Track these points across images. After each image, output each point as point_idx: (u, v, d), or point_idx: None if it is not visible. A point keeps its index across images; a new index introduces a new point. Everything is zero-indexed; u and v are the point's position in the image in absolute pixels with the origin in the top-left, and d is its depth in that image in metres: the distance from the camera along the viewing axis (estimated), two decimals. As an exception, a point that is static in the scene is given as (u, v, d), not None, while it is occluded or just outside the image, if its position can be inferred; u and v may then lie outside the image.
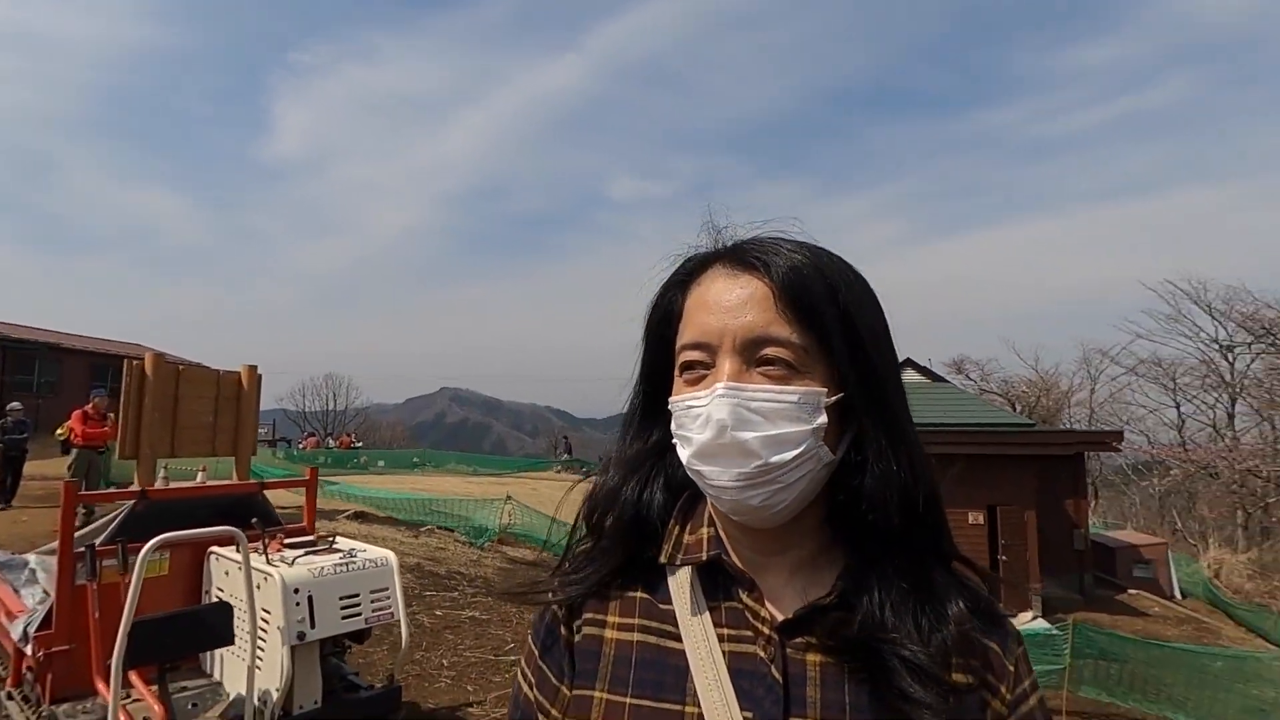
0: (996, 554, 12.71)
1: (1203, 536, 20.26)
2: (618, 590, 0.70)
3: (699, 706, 0.62)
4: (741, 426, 0.60)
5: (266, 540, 2.99)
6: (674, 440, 0.68)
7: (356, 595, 2.93)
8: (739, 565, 0.67)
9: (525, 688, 0.73)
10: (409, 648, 3.29)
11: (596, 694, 0.66)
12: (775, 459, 0.60)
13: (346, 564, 2.96)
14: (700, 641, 0.64)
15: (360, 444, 34.15)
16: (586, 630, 0.69)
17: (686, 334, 0.66)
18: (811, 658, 0.62)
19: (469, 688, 4.15)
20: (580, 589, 0.70)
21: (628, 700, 0.64)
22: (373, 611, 2.97)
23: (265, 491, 3.57)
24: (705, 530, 0.70)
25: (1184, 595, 13.50)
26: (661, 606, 0.68)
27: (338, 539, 3.24)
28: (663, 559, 0.69)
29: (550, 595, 0.72)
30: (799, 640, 0.63)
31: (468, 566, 8.91)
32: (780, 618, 0.64)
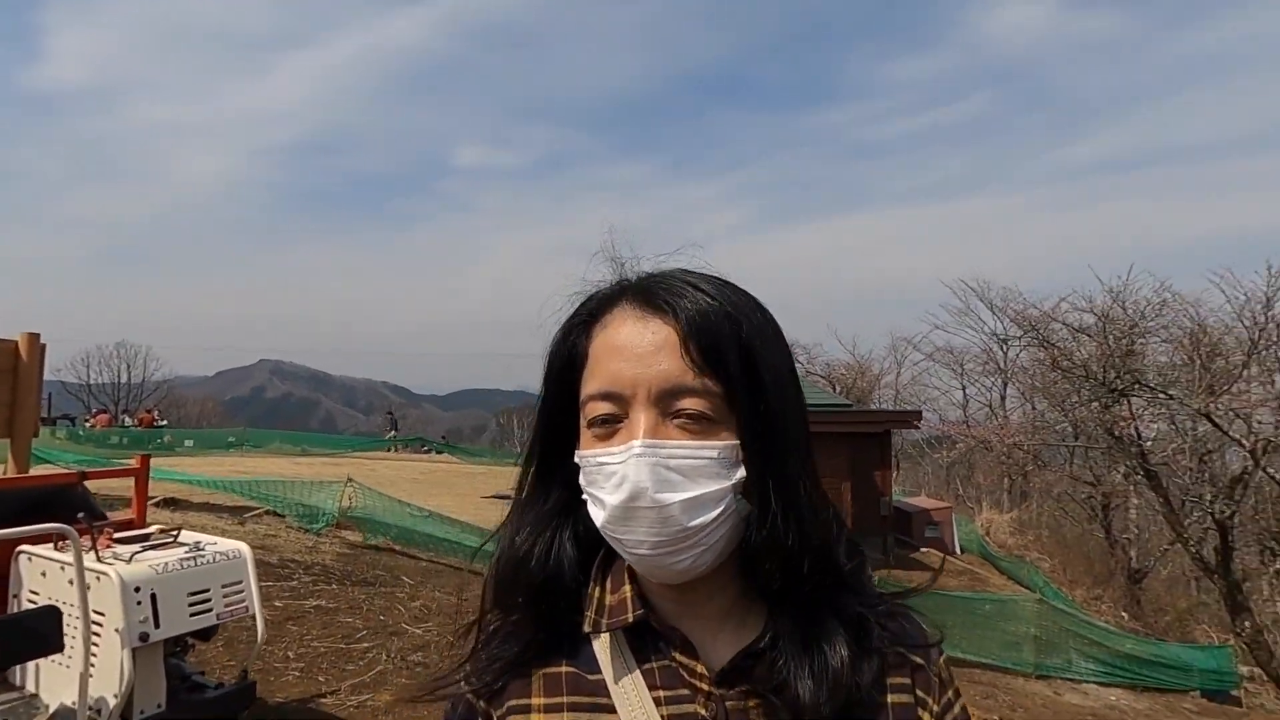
0: (817, 521, 14.12)
1: (978, 500, 23.83)
2: (539, 667, 0.65)
3: None
4: (661, 488, 0.56)
5: (95, 536, 2.72)
6: (584, 497, 0.63)
7: (207, 591, 2.75)
8: (666, 622, 0.63)
9: None
10: (263, 642, 3.15)
11: None
12: (696, 522, 0.57)
13: (194, 558, 2.77)
14: (635, 709, 0.60)
15: (165, 421, 30.50)
16: (510, 718, 0.64)
17: (593, 382, 0.61)
18: (753, 703, 0.60)
19: (320, 679, 4.03)
20: (495, 673, 0.65)
21: None
22: (225, 607, 2.81)
23: (86, 482, 3.20)
24: (628, 588, 0.65)
25: (963, 550, 15.76)
26: (590, 678, 0.64)
27: (182, 532, 3.00)
28: (587, 628, 0.65)
29: (463, 685, 0.66)
30: (738, 690, 0.60)
31: (304, 554, 8.42)
32: (715, 670, 0.61)
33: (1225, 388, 10.95)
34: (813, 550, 0.60)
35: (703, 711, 0.60)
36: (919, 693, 0.64)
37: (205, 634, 2.92)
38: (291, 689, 3.87)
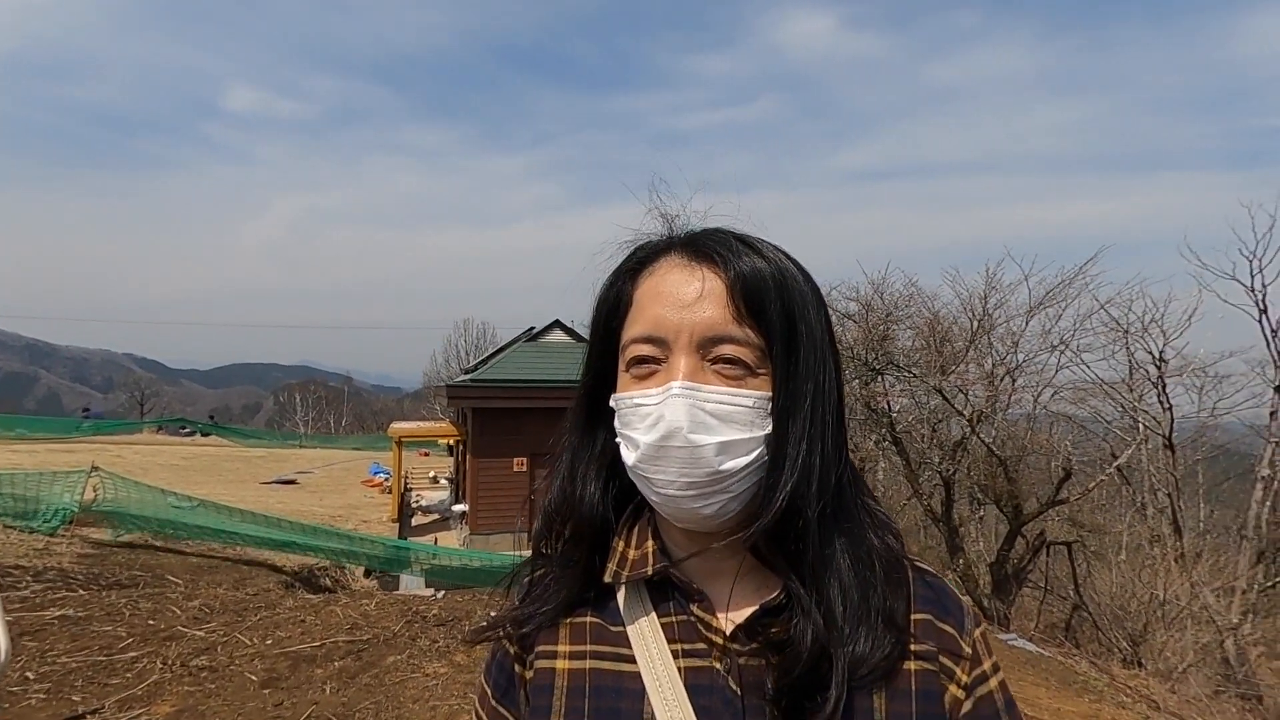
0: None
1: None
2: (567, 617, 0.68)
3: None
4: (696, 429, 0.58)
5: None
6: (618, 440, 0.65)
7: (-73, 607, 2.24)
8: (686, 577, 0.65)
9: None
10: (8, 661, 2.64)
11: None
12: (727, 466, 0.58)
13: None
14: (655, 660, 0.62)
15: None
16: (539, 664, 0.66)
17: (636, 326, 0.63)
18: (768, 660, 0.61)
19: (75, 698, 3.46)
20: (540, 620, 0.67)
21: None
22: (-45, 624, 2.31)
23: None
24: (650, 544, 0.67)
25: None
26: (612, 629, 0.66)
27: None
28: (607, 578, 0.67)
29: (510, 630, 0.69)
30: (754, 645, 0.61)
31: (32, 558, 7.08)
32: (732, 626, 0.62)
33: (952, 368, 13.17)
34: (824, 508, 0.60)
35: (718, 666, 0.61)
36: (944, 662, 0.62)
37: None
38: (37, 714, 3.28)
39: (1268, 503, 16.47)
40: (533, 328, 17.36)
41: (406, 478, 17.76)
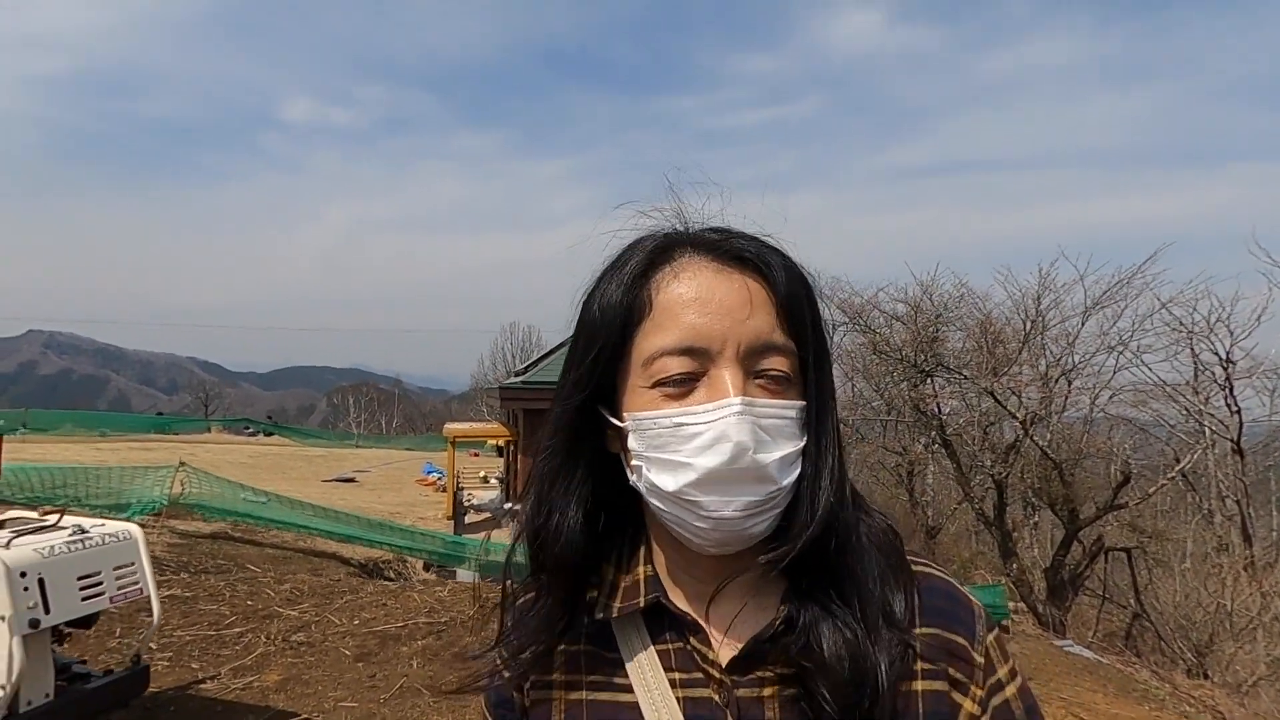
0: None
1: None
2: (561, 646, 0.65)
3: None
4: (760, 448, 0.54)
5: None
6: (635, 464, 0.60)
7: (98, 574, 2.61)
8: (681, 606, 0.63)
9: None
10: (159, 625, 3.01)
11: None
12: (786, 482, 0.56)
13: (81, 541, 2.60)
14: (652, 691, 0.61)
15: (-93, 403, 25.59)
16: (534, 694, 0.65)
17: (666, 335, 0.57)
18: (768, 691, 0.58)
19: (194, 665, 3.85)
20: (529, 662, 0.65)
21: None
22: (118, 590, 2.67)
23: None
24: (642, 570, 0.65)
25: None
26: (607, 656, 0.64)
27: (63, 516, 2.78)
28: (598, 613, 0.64)
29: (502, 675, 0.68)
30: (753, 676, 0.59)
31: (130, 545, 7.66)
32: (729, 656, 0.60)
33: (1005, 370, 12.99)
34: (842, 519, 0.59)
35: (716, 698, 0.59)
36: (956, 675, 0.59)
37: (86, 622, 2.75)
38: (164, 678, 3.68)
39: (1345, 511, 15.74)
40: (581, 331, 17.71)
41: (459, 477, 18.30)
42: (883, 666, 0.55)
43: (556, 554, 0.63)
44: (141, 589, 2.79)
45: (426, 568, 11.67)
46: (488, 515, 17.12)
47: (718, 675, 0.59)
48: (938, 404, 13.86)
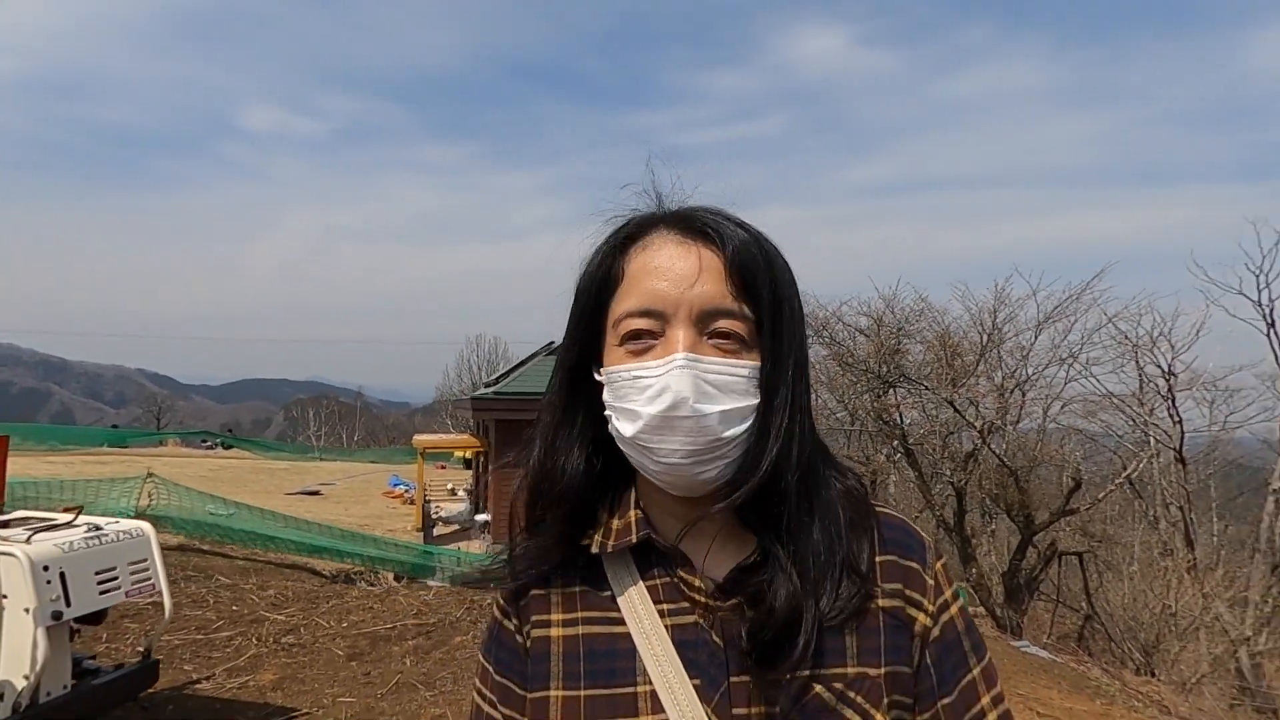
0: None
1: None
2: (558, 587, 0.71)
3: (651, 683, 0.64)
4: (701, 399, 0.60)
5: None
6: (607, 414, 0.67)
7: (114, 569, 2.68)
8: (668, 542, 0.68)
9: (487, 708, 0.72)
10: (170, 620, 3.07)
11: (552, 693, 0.66)
12: (728, 434, 0.62)
13: (97, 537, 2.68)
14: (643, 620, 0.65)
15: None
16: (535, 634, 0.69)
17: (630, 300, 0.65)
18: (747, 614, 0.64)
19: (187, 667, 3.88)
20: (527, 579, 0.71)
21: (582, 693, 0.66)
22: (133, 584, 2.75)
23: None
24: (632, 513, 0.70)
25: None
26: (601, 594, 0.69)
27: (79, 514, 2.85)
28: (594, 549, 0.69)
29: (496, 584, 0.76)
30: (733, 602, 0.64)
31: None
32: (712, 585, 0.65)
33: (963, 381, 13.50)
34: (800, 471, 0.65)
35: (701, 622, 0.65)
36: (911, 593, 0.67)
37: (96, 618, 2.81)
38: (159, 681, 3.71)
39: (1279, 515, 16.67)
40: (552, 342, 17.82)
41: (426, 490, 18.15)
42: (810, 615, 0.62)
43: (560, 490, 0.69)
44: (154, 584, 2.87)
45: (398, 579, 11.60)
46: (456, 527, 17.02)
47: (702, 599, 0.65)
48: (900, 414, 14.32)
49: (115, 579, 2.69)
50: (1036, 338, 14.06)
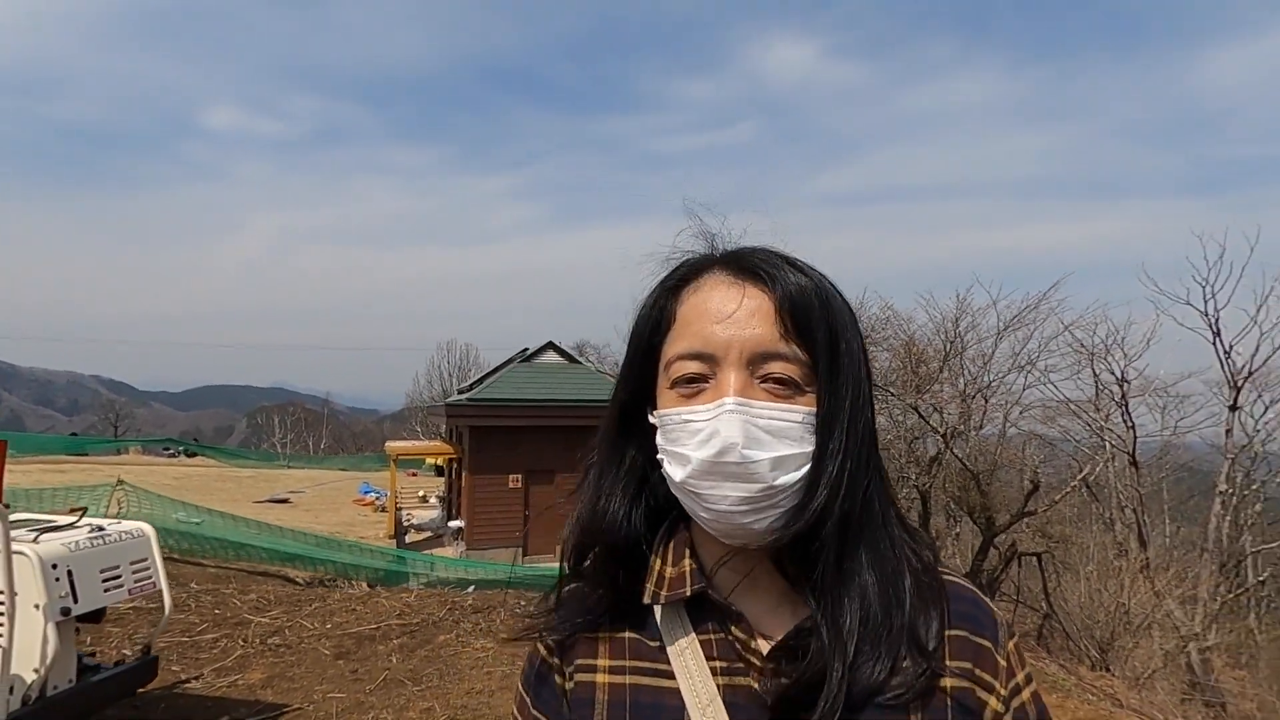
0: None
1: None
2: (606, 631, 0.68)
3: None
4: (751, 445, 0.58)
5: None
6: (659, 457, 0.65)
7: (117, 567, 2.78)
8: (724, 598, 0.65)
9: None
10: (170, 617, 3.15)
11: None
12: (780, 482, 0.59)
13: (101, 537, 2.77)
14: (694, 677, 0.63)
15: None
16: (579, 677, 0.67)
17: (682, 342, 0.63)
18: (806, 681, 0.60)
19: (175, 669, 3.95)
20: (566, 632, 0.69)
21: None
22: (135, 583, 2.84)
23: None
24: (687, 563, 0.67)
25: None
26: (650, 644, 0.66)
27: (83, 515, 2.93)
28: (646, 599, 0.67)
29: (545, 636, 0.71)
30: (791, 667, 0.60)
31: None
32: (769, 646, 0.62)
33: (927, 388, 13.94)
34: (843, 522, 0.60)
35: (755, 685, 0.61)
36: (982, 674, 0.62)
37: (94, 617, 2.90)
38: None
39: (1227, 517, 17.44)
40: (526, 349, 17.91)
41: (397, 496, 18.06)
42: (836, 681, 0.57)
43: (604, 535, 0.68)
44: (154, 583, 2.96)
45: (371, 587, 11.57)
46: (429, 534, 16.97)
47: (758, 664, 0.61)
48: (867, 420, 14.71)
49: (119, 577, 2.79)
50: (997, 346, 14.58)
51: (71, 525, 2.84)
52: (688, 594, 0.64)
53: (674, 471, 0.62)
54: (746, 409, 0.59)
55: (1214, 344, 15.76)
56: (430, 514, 18.58)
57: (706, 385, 0.62)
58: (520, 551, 14.54)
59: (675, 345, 0.64)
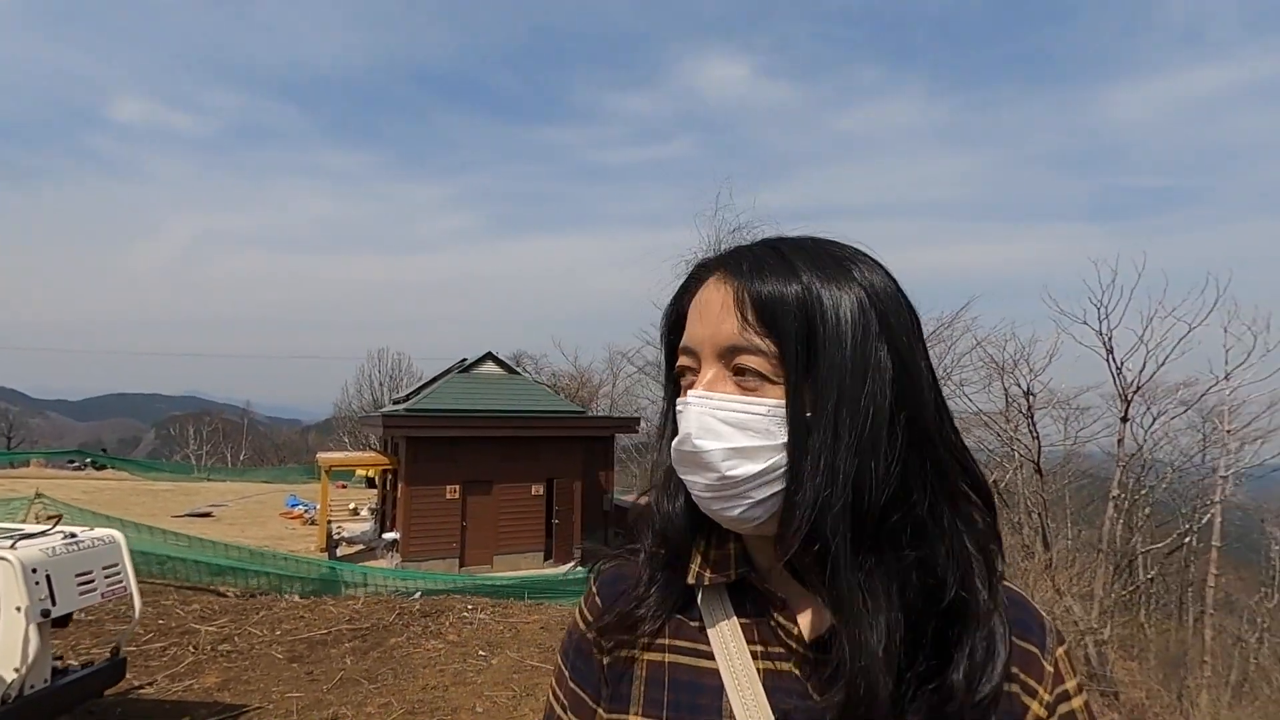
0: (552, 519, 15.42)
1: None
2: (648, 609, 0.68)
3: None
4: (704, 435, 0.59)
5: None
6: None
7: (90, 572, 2.90)
8: (766, 582, 0.64)
9: (559, 709, 0.72)
10: (139, 621, 3.26)
11: (631, 718, 0.65)
12: (733, 473, 0.58)
13: (76, 544, 2.89)
14: (734, 659, 0.63)
15: None
16: (616, 653, 0.68)
17: (682, 340, 0.66)
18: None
19: (128, 676, 4.00)
20: (611, 605, 0.69)
21: None
22: (107, 587, 2.96)
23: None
24: (732, 545, 0.66)
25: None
26: (692, 624, 0.66)
27: (58, 523, 3.02)
28: (690, 579, 0.67)
29: (582, 609, 0.73)
30: (831, 656, 0.58)
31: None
32: (812, 634, 0.61)
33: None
34: (861, 534, 0.57)
35: (797, 672, 0.61)
36: (1027, 680, 0.61)
37: (62, 622, 3.00)
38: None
39: (1120, 520, 18.98)
40: (465, 359, 17.89)
41: (329, 509, 17.67)
42: (880, 691, 0.55)
43: (664, 521, 0.69)
44: (125, 587, 3.09)
45: (303, 598, 11.37)
46: (361, 546, 16.67)
47: (801, 650, 0.61)
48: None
49: (92, 582, 2.91)
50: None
51: (44, 533, 2.94)
52: (732, 577, 0.65)
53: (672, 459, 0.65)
54: (706, 400, 0.61)
55: (1107, 361, 17.23)
56: (362, 526, 18.23)
57: (695, 379, 0.64)
58: (457, 563, 14.52)
59: (679, 343, 0.67)
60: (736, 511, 0.60)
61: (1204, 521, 19.27)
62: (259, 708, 3.67)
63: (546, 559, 15.31)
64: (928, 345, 0.64)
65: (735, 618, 0.65)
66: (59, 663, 3.08)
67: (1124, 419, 17.41)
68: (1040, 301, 18.06)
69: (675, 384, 0.68)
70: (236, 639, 4.69)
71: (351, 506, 21.56)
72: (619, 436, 19.46)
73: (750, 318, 0.60)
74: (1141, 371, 16.80)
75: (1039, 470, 18.18)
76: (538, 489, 15.16)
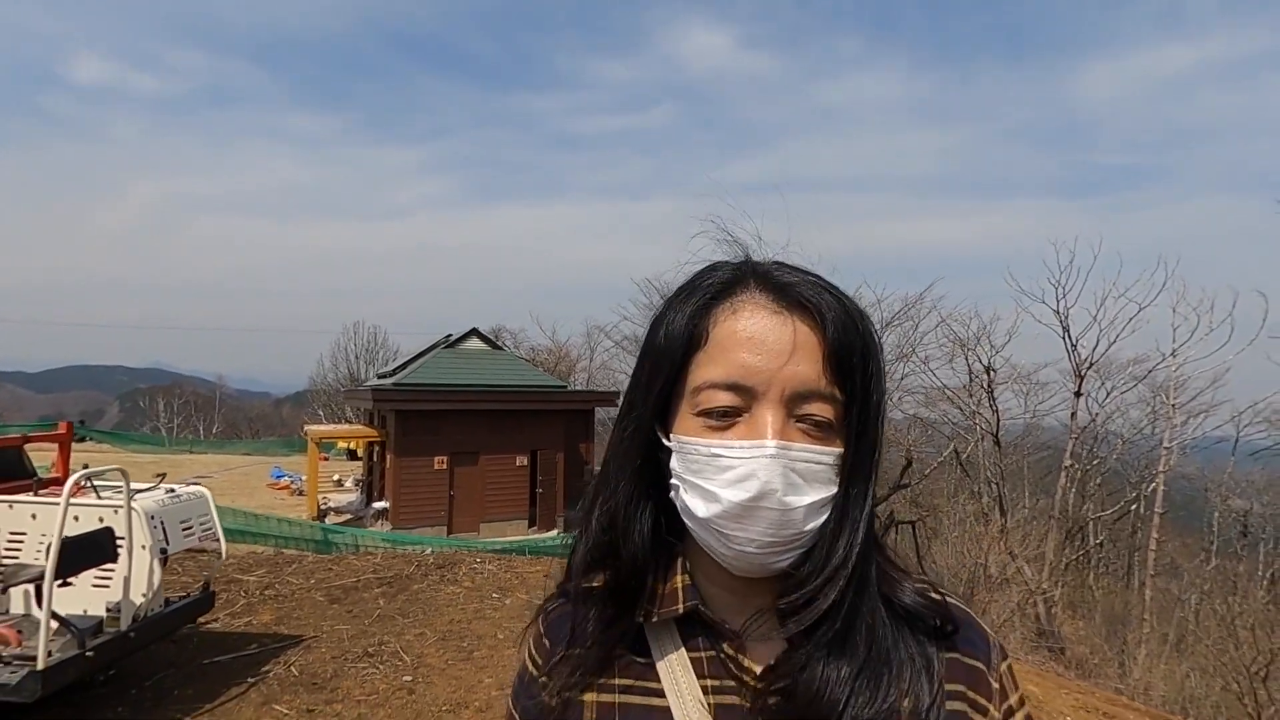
0: (535, 488, 16.15)
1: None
2: (595, 648, 0.66)
3: None
4: (789, 491, 0.56)
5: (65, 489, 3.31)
6: (673, 482, 0.63)
7: (189, 520, 3.54)
8: (717, 615, 0.64)
9: None
10: (225, 561, 3.90)
11: None
12: (811, 526, 0.58)
13: (176, 497, 3.52)
14: (684, 696, 0.62)
15: None
16: (565, 695, 0.66)
17: (716, 370, 0.59)
18: (796, 701, 0.59)
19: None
20: (559, 647, 0.68)
21: None
22: (202, 531, 3.61)
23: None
24: (680, 578, 0.65)
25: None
26: (640, 662, 0.65)
27: (163, 480, 3.64)
28: (639, 616, 0.65)
29: (531, 653, 0.71)
30: (781, 686, 0.59)
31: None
32: (762, 665, 0.61)
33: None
34: (857, 563, 0.59)
35: (746, 704, 0.60)
36: (975, 698, 0.62)
37: (161, 561, 3.63)
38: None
39: (1072, 489, 20.24)
40: (450, 335, 18.40)
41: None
42: (853, 710, 0.57)
43: (630, 556, 0.65)
44: (214, 531, 3.74)
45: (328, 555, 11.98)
46: (349, 516, 17.27)
47: (751, 682, 0.61)
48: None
49: (190, 527, 3.54)
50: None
51: (152, 488, 3.56)
52: (680, 611, 0.64)
53: (696, 506, 0.60)
54: (786, 453, 0.57)
55: (1064, 338, 18.30)
56: (348, 497, 18.81)
57: (738, 420, 0.59)
58: (445, 530, 15.21)
59: (706, 370, 0.60)
60: (787, 561, 0.59)
61: (1150, 490, 20.51)
62: (314, 636, 4.33)
63: (531, 526, 16.09)
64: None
65: (685, 651, 0.64)
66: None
67: (1078, 393, 18.55)
68: (1004, 280, 19.01)
69: (658, 405, 0.63)
70: (278, 586, 5.34)
71: (336, 478, 22.08)
72: (598, 410, 20.13)
73: (834, 365, 0.58)
74: (1095, 348, 17.91)
75: (998, 442, 19.32)
76: (522, 460, 15.87)
